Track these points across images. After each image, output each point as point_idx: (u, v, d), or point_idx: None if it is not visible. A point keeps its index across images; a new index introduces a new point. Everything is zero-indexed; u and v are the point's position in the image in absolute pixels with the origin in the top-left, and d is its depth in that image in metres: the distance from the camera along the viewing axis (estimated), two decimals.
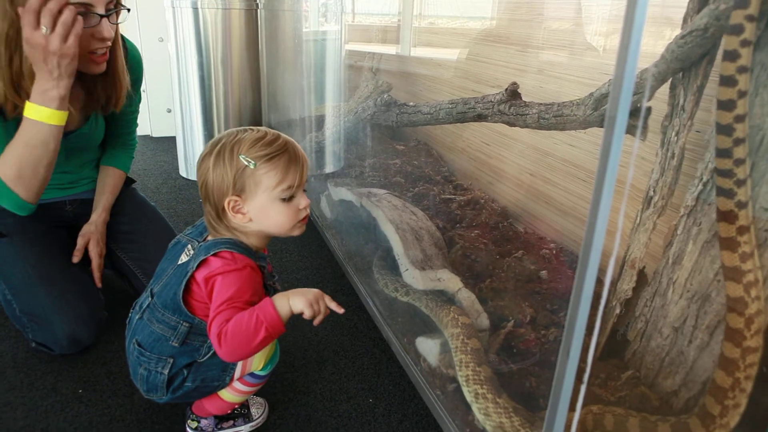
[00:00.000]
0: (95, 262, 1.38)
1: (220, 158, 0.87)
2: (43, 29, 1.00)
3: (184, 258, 0.95)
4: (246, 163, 0.85)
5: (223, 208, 0.89)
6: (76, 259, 1.36)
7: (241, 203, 0.88)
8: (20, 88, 1.12)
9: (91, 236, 1.39)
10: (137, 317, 0.99)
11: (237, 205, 0.88)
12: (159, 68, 3.09)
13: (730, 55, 0.78)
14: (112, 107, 1.33)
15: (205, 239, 0.97)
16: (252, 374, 1.01)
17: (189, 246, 0.96)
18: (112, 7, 1.14)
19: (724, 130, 0.82)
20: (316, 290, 0.86)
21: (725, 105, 0.81)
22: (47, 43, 1.01)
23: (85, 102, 1.31)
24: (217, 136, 0.92)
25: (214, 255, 0.89)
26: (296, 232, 0.93)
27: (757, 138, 0.84)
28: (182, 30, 2.35)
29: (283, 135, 0.91)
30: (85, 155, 1.44)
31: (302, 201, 0.91)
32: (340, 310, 0.86)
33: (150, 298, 0.98)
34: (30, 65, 1.08)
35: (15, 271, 1.27)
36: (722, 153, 0.84)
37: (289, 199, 0.89)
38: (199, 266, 0.90)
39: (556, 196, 1.55)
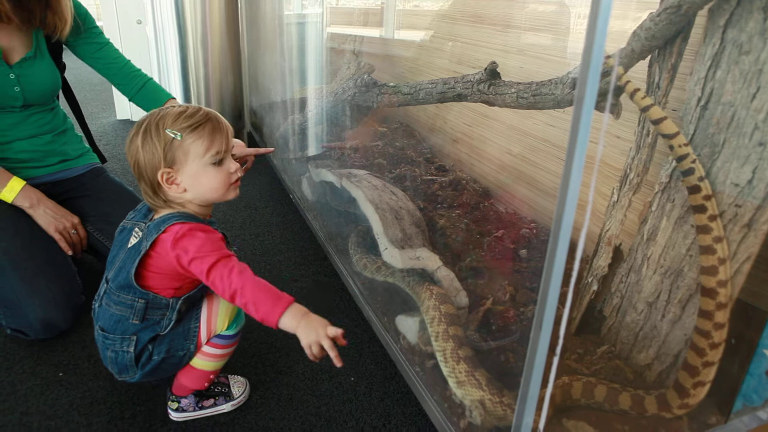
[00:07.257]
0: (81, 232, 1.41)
1: (147, 135, 0.91)
2: None
3: (133, 240, 0.97)
4: (173, 135, 0.90)
5: (158, 183, 0.93)
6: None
7: (173, 174, 0.92)
8: None
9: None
10: (97, 305, 1.03)
11: (170, 177, 0.92)
12: (137, 51, 3.03)
13: None
14: (59, 30, 1.35)
15: (151, 219, 0.99)
16: (219, 336, 1.03)
17: (136, 229, 0.98)
18: None
19: None
20: (324, 332, 0.83)
21: None
22: None
23: (22, 16, 1.30)
24: (140, 118, 0.96)
25: (169, 227, 0.92)
26: (231, 195, 0.98)
27: (728, 114, 0.85)
28: (161, 11, 2.31)
29: (205, 107, 0.97)
30: (42, 114, 1.42)
31: (231, 165, 0.97)
32: (338, 363, 0.83)
33: (105, 285, 1.01)
34: None
35: None
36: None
37: (219, 164, 0.94)
38: (154, 244, 0.93)
39: (536, 176, 1.56)
